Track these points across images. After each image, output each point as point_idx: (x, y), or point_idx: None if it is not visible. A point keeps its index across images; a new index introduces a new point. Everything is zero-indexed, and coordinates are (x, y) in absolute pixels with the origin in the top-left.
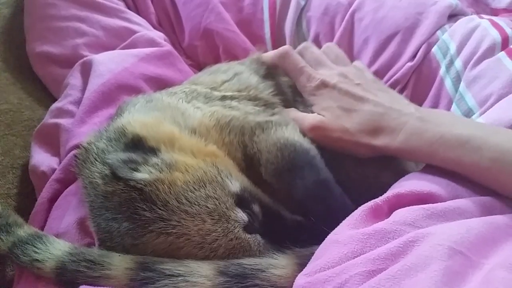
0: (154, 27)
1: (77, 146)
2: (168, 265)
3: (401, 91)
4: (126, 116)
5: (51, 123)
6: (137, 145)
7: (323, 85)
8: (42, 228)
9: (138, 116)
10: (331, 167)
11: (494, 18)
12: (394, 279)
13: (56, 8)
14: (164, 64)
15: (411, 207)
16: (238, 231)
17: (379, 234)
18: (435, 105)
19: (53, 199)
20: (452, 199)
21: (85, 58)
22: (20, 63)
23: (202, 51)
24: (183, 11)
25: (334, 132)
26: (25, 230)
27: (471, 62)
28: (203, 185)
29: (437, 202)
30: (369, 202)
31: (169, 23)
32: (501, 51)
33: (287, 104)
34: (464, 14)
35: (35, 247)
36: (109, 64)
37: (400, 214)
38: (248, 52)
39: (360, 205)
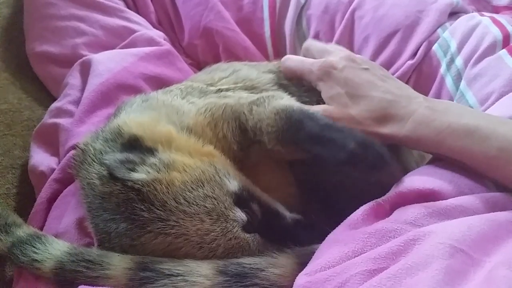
0: (154, 26)
1: (76, 146)
2: (167, 265)
3: None
4: (122, 116)
5: (50, 123)
6: (134, 145)
7: (331, 67)
8: (41, 228)
9: (134, 116)
10: (332, 167)
11: (495, 15)
12: (395, 278)
13: (55, 8)
14: (163, 63)
15: (412, 205)
16: (237, 230)
17: (380, 233)
18: None
19: (52, 199)
20: (454, 196)
21: (84, 58)
22: (20, 62)
23: (202, 50)
24: (182, 10)
25: (341, 121)
26: (24, 230)
27: (472, 60)
28: (201, 185)
29: (439, 200)
30: (370, 201)
31: (169, 22)
32: (502, 49)
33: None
34: (465, 11)
35: (34, 247)
36: (108, 64)
37: (401, 212)
38: (248, 51)
39: (360, 205)
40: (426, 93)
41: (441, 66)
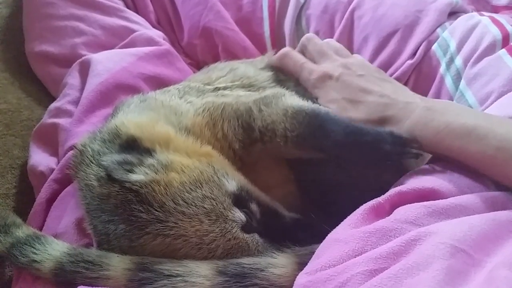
0: (153, 26)
1: (74, 147)
2: (167, 266)
3: None
4: (120, 116)
5: (50, 123)
6: (132, 146)
7: (327, 76)
8: (40, 229)
9: (132, 117)
10: (331, 166)
11: (494, 15)
12: (396, 278)
13: (54, 8)
14: (162, 63)
15: (412, 204)
16: (236, 231)
17: (380, 232)
18: None
19: (51, 200)
20: (454, 195)
21: (83, 58)
22: (19, 62)
23: (201, 50)
24: (182, 9)
25: None
26: (23, 231)
27: (472, 60)
28: (200, 186)
29: (439, 199)
30: (370, 201)
31: (168, 21)
32: (501, 48)
33: None
34: (464, 11)
35: (33, 247)
36: (107, 64)
37: (401, 212)
38: (247, 50)
39: (361, 204)
40: (425, 93)
41: (440, 66)
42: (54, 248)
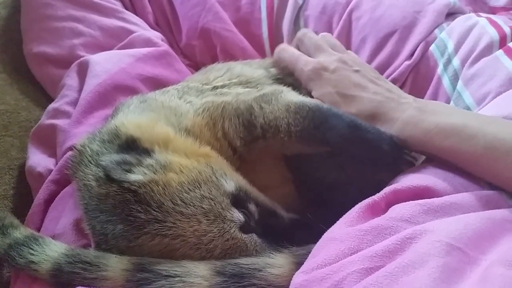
0: (152, 27)
1: (73, 147)
2: (165, 266)
3: None
4: (120, 117)
5: (48, 124)
6: (131, 146)
7: (323, 69)
8: (38, 230)
9: (132, 117)
10: (328, 165)
11: (492, 16)
12: (391, 276)
13: (53, 9)
14: (161, 64)
15: (407, 202)
16: (234, 231)
17: (375, 230)
18: None
19: (49, 200)
20: (448, 194)
21: (81, 59)
22: (17, 64)
23: (200, 51)
24: (180, 10)
25: None
26: (21, 232)
27: (469, 61)
28: (198, 186)
29: (434, 197)
30: (366, 199)
31: (167, 22)
32: (499, 49)
33: None
34: (462, 12)
35: (31, 249)
36: (105, 65)
37: (397, 210)
38: (246, 51)
39: (357, 203)
40: (423, 94)
41: (438, 67)
42: (52, 249)
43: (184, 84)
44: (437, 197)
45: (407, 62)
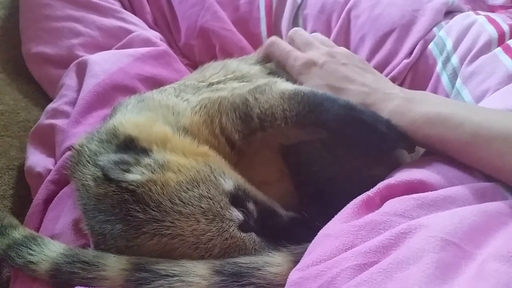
0: (150, 27)
1: (71, 147)
2: (163, 265)
3: None
4: (118, 117)
5: (47, 124)
6: (129, 146)
7: (312, 63)
8: (37, 230)
9: (130, 117)
10: (324, 161)
11: (490, 14)
12: (385, 272)
13: (51, 9)
14: (159, 64)
15: (401, 197)
16: (233, 230)
17: (369, 226)
18: None
19: (48, 200)
20: (443, 187)
21: (80, 59)
22: (16, 64)
23: (199, 50)
24: (179, 10)
25: None
26: (20, 232)
27: (468, 58)
28: (197, 185)
29: (428, 191)
30: (361, 195)
31: (165, 22)
32: (497, 47)
33: None
34: (460, 10)
35: (29, 249)
36: (104, 64)
37: (391, 205)
38: (245, 50)
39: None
40: None
41: (437, 65)
42: (51, 249)
43: (181, 82)
44: (431, 190)
45: (406, 61)
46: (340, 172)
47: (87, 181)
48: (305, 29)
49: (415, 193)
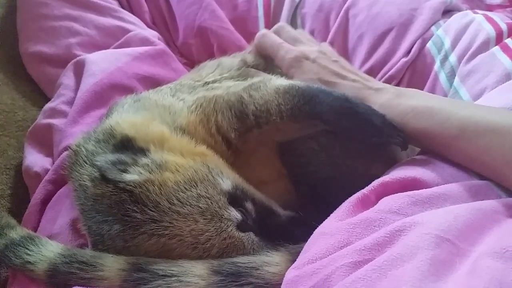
0: (148, 26)
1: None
2: (162, 266)
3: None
4: (115, 116)
5: (44, 124)
6: (126, 146)
7: (303, 57)
8: (35, 230)
9: (126, 116)
10: (321, 160)
11: (488, 13)
12: (380, 270)
13: (49, 8)
14: (157, 63)
15: (396, 195)
16: (231, 229)
17: (364, 223)
18: None
19: (46, 200)
20: (437, 184)
21: (78, 58)
22: (14, 63)
23: (197, 49)
24: (177, 9)
25: None
26: (17, 232)
27: (466, 57)
28: (194, 185)
29: (423, 188)
30: (356, 193)
31: (163, 21)
32: (495, 45)
33: None
34: (458, 9)
35: (27, 249)
36: (102, 64)
37: (385, 202)
38: (243, 49)
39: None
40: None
41: (435, 63)
42: (48, 249)
43: (177, 82)
44: (426, 188)
45: (404, 59)
46: (336, 172)
47: (84, 181)
48: (303, 28)
49: (410, 190)
